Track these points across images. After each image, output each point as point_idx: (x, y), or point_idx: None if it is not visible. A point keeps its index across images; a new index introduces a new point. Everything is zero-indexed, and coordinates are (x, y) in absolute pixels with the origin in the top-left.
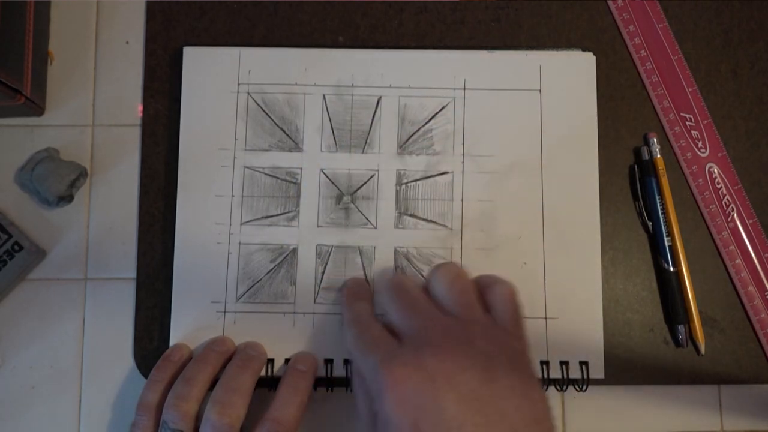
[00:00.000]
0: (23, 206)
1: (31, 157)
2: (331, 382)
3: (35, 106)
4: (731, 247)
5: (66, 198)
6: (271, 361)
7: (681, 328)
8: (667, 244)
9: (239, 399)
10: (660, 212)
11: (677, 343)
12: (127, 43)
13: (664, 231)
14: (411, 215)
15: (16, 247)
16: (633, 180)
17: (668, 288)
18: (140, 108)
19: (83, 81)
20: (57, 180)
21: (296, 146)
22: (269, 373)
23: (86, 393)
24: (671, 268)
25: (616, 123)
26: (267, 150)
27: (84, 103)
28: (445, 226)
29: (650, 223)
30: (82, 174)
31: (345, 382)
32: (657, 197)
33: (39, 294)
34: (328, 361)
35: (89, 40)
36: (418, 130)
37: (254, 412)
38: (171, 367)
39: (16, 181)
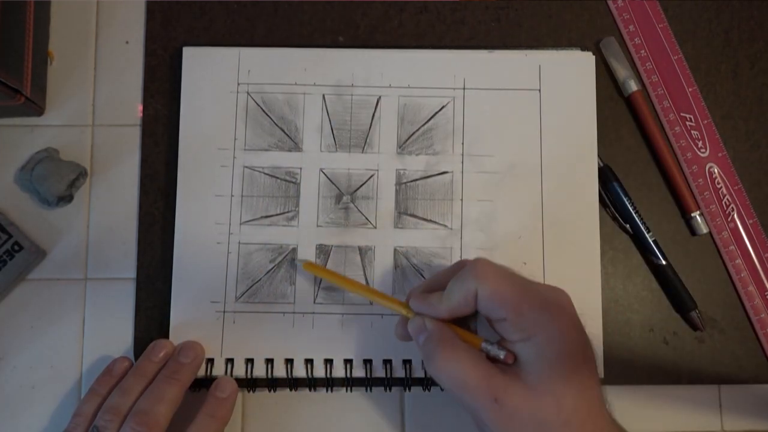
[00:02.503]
0: (23, 206)
1: (31, 157)
2: (330, 382)
3: (35, 106)
4: (731, 247)
5: (66, 198)
6: (270, 361)
7: (694, 314)
8: (651, 239)
9: (162, 409)
10: (634, 212)
11: (695, 328)
12: (127, 43)
13: (643, 228)
14: (411, 215)
15: (16, 247)
16: (605, 187)
17: (668, 281)
18: (140, 108)
19: (83, 81)
20: (57, 180)
21: (296, 146)
22: (269, 375)
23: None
24: (663, 261)
25: (616, 123)
26: (266, 150)
27: (84, 103)
28: (444, 225)
29: (627, 225)
30: (82, 174)
31: (344, 382)
32: (625, 199)
33: (39, 294)
34: (328, 361)
35: (89, 40)
36: (417, 130)
37: (250, 414)
38: (111, 380)
39: (16, 181)
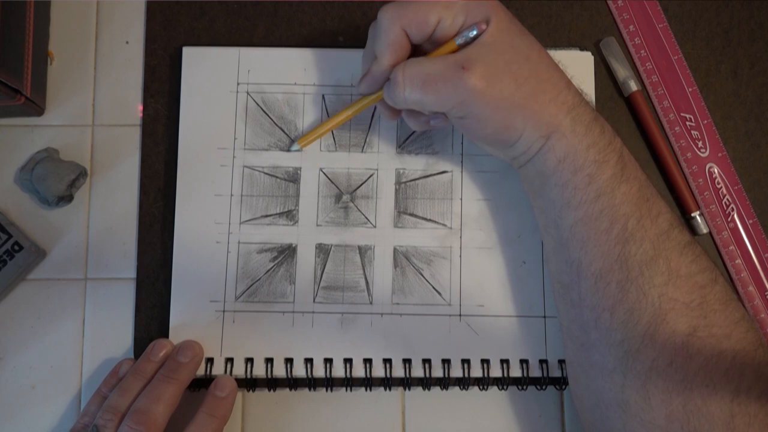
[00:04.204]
0: (23, 206)
1: (31, 157)
2: (330, 382)
3: (35, 106)
4: (731, 247)
5: (66, 198)
6: (270, 360)
7: None
8: None
9: (159, 408)
10: None
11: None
12: (127, 43)
13: None
14: (410, 214)
15: (16, 247)
16: None
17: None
18: (140, 108)
19: (83, 81)
20: (57, 180)
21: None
22: (269, 374)
23: (86, 393)
24: None
25: (616, 123)
26: (266, 149)
27: (84, 103)
28: (444, 225)
29: None
30: (81, 174)
31: (344, 382)
32: None
33: (39, 294)
34: (328, 361)
35: (89, 40)
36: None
37: (250, 414)
38: (117, 381)
39: (16, 181)
